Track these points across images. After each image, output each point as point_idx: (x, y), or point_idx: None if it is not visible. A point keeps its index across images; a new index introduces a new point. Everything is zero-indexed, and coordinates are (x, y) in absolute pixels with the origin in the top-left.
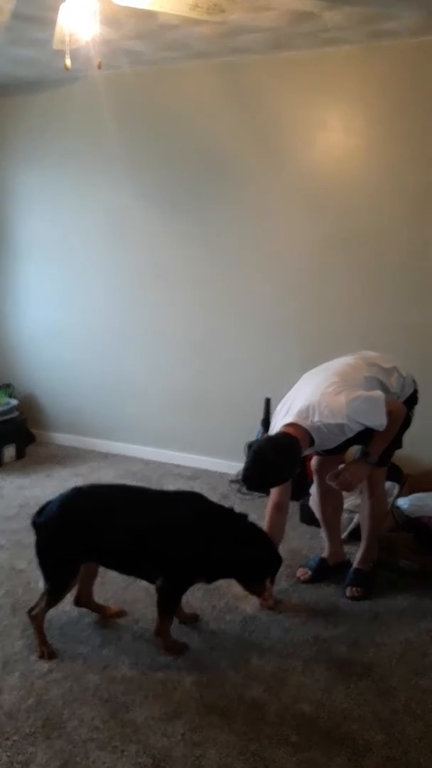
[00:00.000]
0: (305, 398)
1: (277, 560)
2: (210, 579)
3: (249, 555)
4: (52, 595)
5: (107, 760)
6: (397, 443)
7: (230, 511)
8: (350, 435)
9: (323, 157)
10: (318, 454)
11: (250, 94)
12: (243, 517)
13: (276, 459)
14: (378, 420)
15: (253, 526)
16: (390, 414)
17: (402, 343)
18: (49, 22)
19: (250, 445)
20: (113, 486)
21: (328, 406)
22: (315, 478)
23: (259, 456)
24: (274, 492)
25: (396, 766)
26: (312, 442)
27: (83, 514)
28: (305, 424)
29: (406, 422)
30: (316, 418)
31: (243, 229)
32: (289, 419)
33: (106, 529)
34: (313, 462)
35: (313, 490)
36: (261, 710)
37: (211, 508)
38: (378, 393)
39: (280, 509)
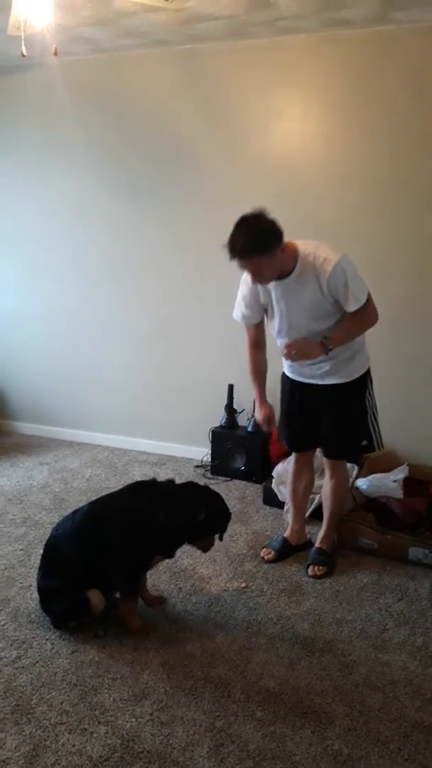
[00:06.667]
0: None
1: (224, 514)
2: (167, 554)
3: (185, 518)
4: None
5: (77, 742)
6: (367, 447)
7: (152, 483)
8: (328, 299)
9: (281, 145)
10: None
11: (209, 82)
12: (169, 483)
13: (258, 217)
14: (359, 289)
15: (183, 489)
16: (366, 304)
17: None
18: (4, 8)
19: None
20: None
21: (324, 251)
22: (293, 455)
23: (245, 216)
24: (249, 335)
25: (357, 736)
26: (293, 268)
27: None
28: (298, 242)
29: (369, 403)
30: (309, 249)
31: (203, 217)
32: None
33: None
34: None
35: (279, 470)
36: (227, 688)
37: (134, 491)
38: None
39: (257, 347)
